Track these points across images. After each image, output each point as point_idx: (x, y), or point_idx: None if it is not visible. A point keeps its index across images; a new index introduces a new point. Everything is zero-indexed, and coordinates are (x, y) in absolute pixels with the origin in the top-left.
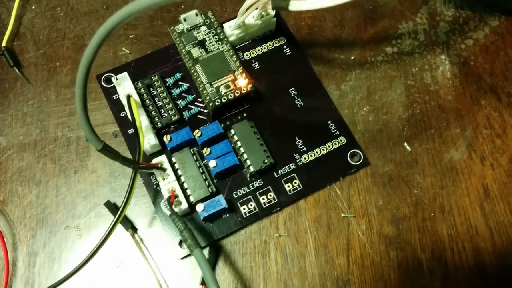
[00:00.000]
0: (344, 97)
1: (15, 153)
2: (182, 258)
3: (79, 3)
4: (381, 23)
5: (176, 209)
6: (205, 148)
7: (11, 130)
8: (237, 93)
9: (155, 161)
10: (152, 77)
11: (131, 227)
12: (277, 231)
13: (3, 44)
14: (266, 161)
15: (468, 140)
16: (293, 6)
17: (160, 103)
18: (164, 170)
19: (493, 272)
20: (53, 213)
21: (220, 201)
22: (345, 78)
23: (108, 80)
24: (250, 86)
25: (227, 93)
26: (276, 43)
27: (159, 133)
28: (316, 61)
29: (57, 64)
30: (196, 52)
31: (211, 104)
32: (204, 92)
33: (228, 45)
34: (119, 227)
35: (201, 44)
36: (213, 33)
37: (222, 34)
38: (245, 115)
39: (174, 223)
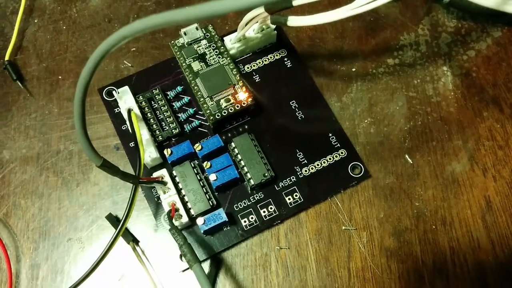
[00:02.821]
0: (345, 109)
1: (18, 166)
2: (183, 271)
3: (81, 16)
4: (383, 34)
5: (176, 223)
6: (206, 162)
7: (14, 143)
8: (237, 106)
9: (155, 174)
10: (153, 90)
11: (133, 240)
12: (278, 244)
13: (6, 58)
14: (266, 174)
15: (470, 152)
16: (291, 22)
17: (161, 116)
18: (164, 183)
19: (495, 285)
20: (55, 225)
21: (220, 215)
22: (346, 90)
23: (110, 93)
24: (250, 99)
25: (227, 107)
26: (277, 55)
27: (160, 146)
28: (317, 73)
29: (60, 77)
30: (196, 66)
31: (212, 117)
32: (205, 105)
33: (228, 58)
34: (121, 240)
35: (202, 57)
36: (213, 46)
37: (222, 47)
38: (246, 127)
39: (173, 237)
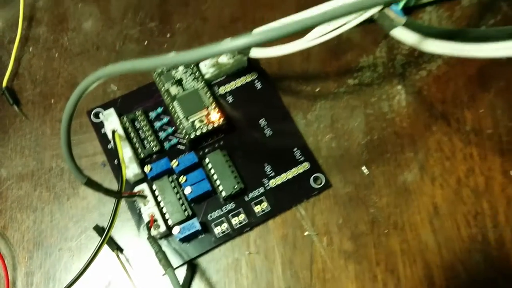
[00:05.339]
0: (309, 126)
1: (14, 183)
2: (163, 275)
3: (72, 44)
4: (344, 57)
5: (155, 232)
6: (182, 176)
7: (11, 162)
8: (210, 126)
9: (136, 189)
10: (136, 112)
11: (117, 248)
12: (248, 249)
13: (4, 84)
14: (236, 186)
15: (420, 163)
16: (253, 54)
17: (143, 135)
18: (144, 197)
19: (441, 283)
20: (48, 236)
21: (194, 224)
22: (311, 108)
23: (97, 115)
24: (221, 120)
25: (201, 127)
26: (248, 78)
27: (142, 163)
28: (285, 93)
29: (52, 101)
30: (174, 90)
31: (187, 136)
32: (181, 126)
33: (202, 83)
34: (107, 249)
35: (179, 82)
36: (189, 72)
37: (197, 72)
38: (221, 143)
39: (150, 245)
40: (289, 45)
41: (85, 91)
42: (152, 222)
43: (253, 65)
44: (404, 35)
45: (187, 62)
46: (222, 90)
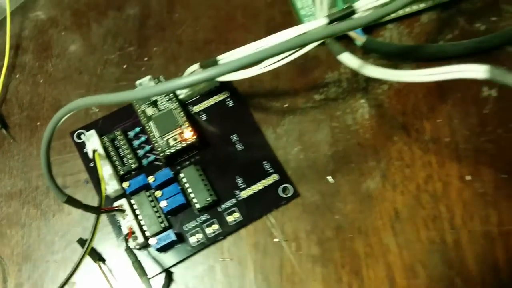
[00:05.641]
0: (279, 139)
1: (4, 202)
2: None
3: (56, 70)
4: (311, 74)
5: (134, 243)
6: (158, 191)
7: (0, 182)
8: (184, 144)
9: (116, 204)
10: (116, 132)
11: (99, 259)
12: (222, 256)
13: None
14: (208, 198)
15: (382, 171)
16: (219, 78)
17: (123, 154)
18: (123, 211)
19: (401, 282)
20: (36, 250)
21: (170, 235)
22: (280, 123)
23: (80, 136)
24: (194, 137)
25: (175, 144)
26: (221, 96)
27: (122, 179)
28: (256, 109)
29: (38, 123)
30: (149, 111)
31: (162, 154)
32: (156, 144)
33: (176, 103)
34: (90, 260)
35: (154, 103)
36: (164, 94)
37: (171, 94)
38: (196, 159)
39: (128, 256)
40: (242, 72)
41: (59, 121)
42: (130, 234)
43: (225, 85)
44: (349, 60)
45: (141, 97)
46: (196, 108)
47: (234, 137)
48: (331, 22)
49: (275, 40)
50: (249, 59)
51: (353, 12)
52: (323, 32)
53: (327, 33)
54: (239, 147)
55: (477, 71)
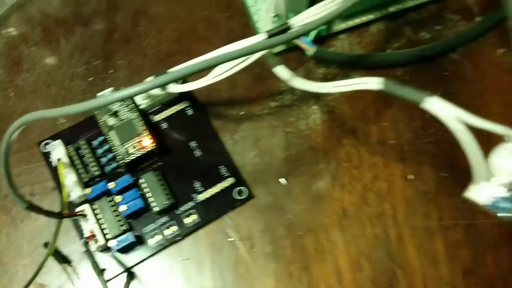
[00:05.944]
0: (236, 145)
1: None
2: (106, 281)
3: (26, 84)
4: (266, 82)
5: (95, 246)
6: (119, 196)
7: None
8: (143, 151)
9: (79, 209)
10: (80, 141)
11: (64, 261)
12: (180, 256)
13: None
14: (166, 202)
15: (332, 173)
16: (170, 89)
17: (87, 162)
18: (84, 216)
19: (348, 276)
20: (6, 255)
21: (129, 237)
22: (237, 129)
23: (46, 145)
24: (153, 145)
25: (134, 152)
26: (181, 106)
27: (86, 186)
28: (214, 117)
29: None
30: (111, 121)
31: (122, 161)
32: (117, 152)
33: (137, 113)
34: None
35: (115, 114)
36: (125, 104)
37: (132, 104)
38: (159, 164)
39: (87, 257)
40: (193, 83)
41: (12, 134)
42: (91, 237)
43: (185, 95)
44: (281, 72)
45: (85, 109)
46: (157, 118)
47: (193, 144)
48: (270, 36)
49: (223, 51)
50: (194, 67)
51: (288, 28)
52: (262, 44)
53: (265, 45)
54: (198, 153)
55: (372, 83)
